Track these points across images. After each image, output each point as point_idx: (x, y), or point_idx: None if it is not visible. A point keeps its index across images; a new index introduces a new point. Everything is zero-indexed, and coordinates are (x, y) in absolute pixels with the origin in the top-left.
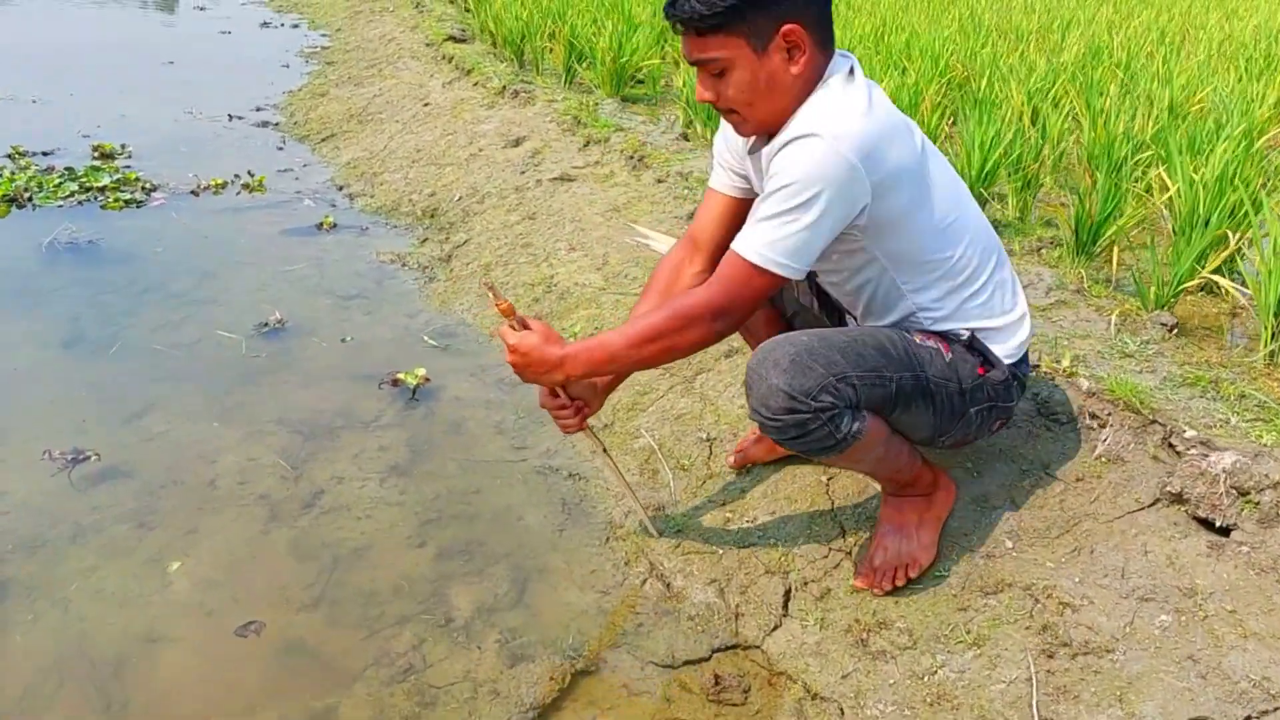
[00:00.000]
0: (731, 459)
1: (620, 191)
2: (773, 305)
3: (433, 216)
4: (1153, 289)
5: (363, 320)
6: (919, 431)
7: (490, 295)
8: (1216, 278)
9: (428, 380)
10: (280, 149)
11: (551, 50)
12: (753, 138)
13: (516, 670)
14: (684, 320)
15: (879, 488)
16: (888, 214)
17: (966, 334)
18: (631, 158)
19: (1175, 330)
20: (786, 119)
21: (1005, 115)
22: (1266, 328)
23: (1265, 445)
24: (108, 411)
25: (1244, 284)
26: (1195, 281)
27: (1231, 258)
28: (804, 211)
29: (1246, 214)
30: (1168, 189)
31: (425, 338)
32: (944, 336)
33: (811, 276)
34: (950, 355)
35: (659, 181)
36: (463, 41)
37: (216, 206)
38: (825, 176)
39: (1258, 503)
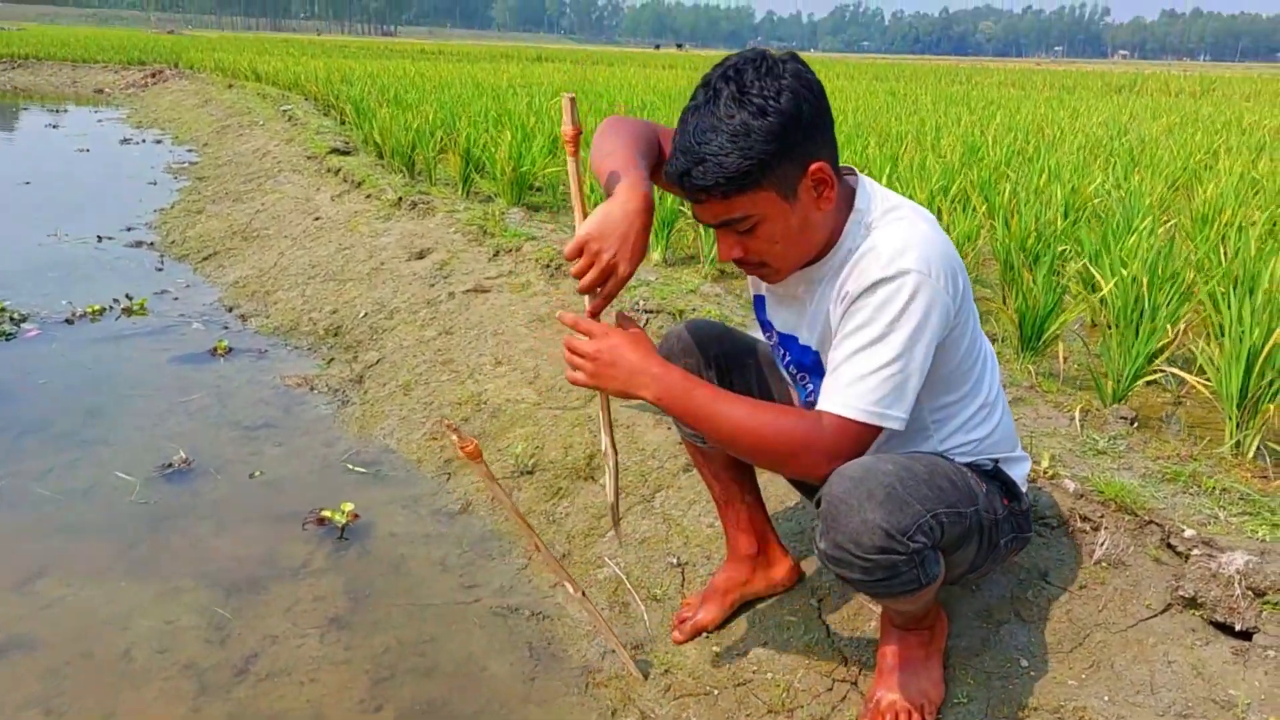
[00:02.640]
0: (677, 634)
1: (541, 301)
2: None
3: (337, 335)
4: (1110, 383)
5: (275, 453)
6: (960, 567)
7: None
8: (1177, 371)
9: (357, 516)
10: (159, 270)
11: (444, 161)
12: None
13: None
14: (794, 446)
15: (874, 608)
16: (951, 338)
17: (991, 465)
18: (548, 266)
19: (1135, 424)
20: (819, 252)
21: None
22: (1231, 418)
23: (1266, 541)
24: None
25: (1201, 374)
26: (1154, 376)
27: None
28: (908, 354)
29: (1183, 305)
30: (1093, 283)
31: (349, 465)
32: (972, 468)
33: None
34: (985, 487)
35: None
36: (347, 154)
37: (96, 335)
38: (926, 311)
39: (1277, 604)
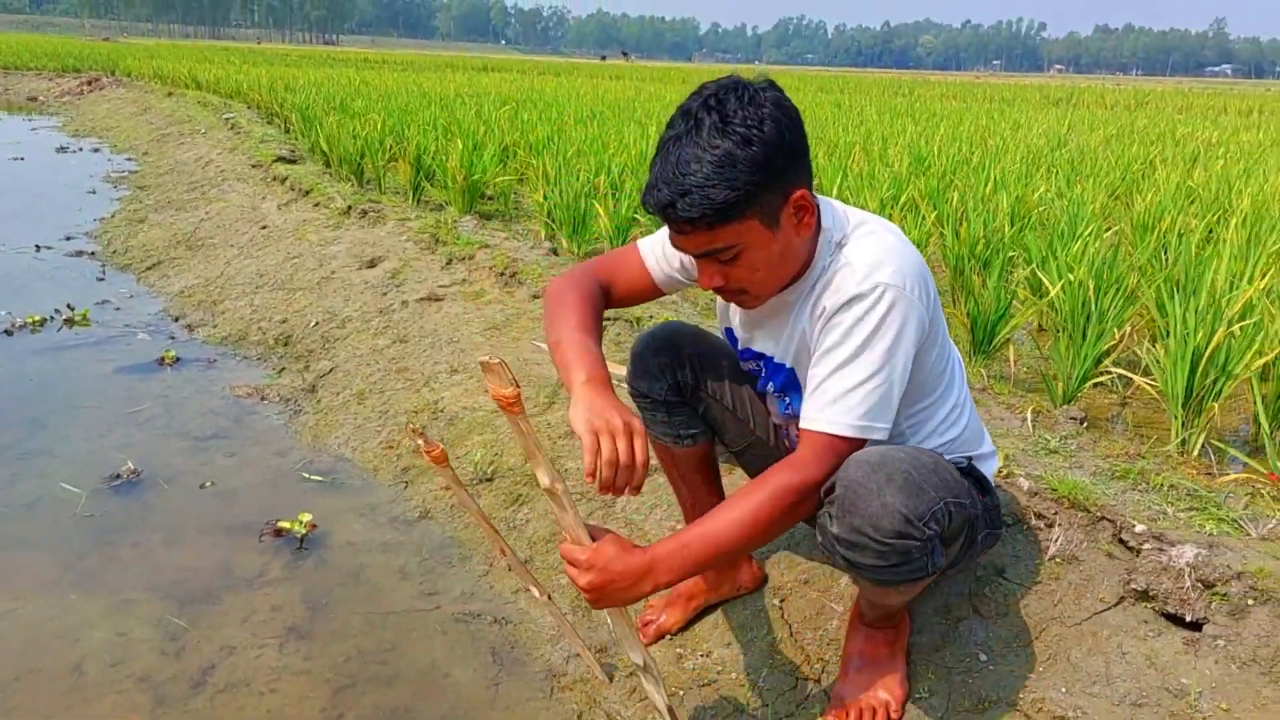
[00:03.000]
0: (640, 636)
1: (497, 309)
2: (709, 441)
3: (287, 344)
4: (1060, 385)
5: (227, 464)
6: (948, 560)
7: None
8: (1124, 372)
9: (315, 526)
10: (100, 279)
11: (394, 169)
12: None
13: None
14: (793, 498)
15: (836, 607)
16: (924, 346)
17: (966, 462)
18: (502, 274)
19: (1085, 424)
20: (795, 277)
21: None
22: (1176, 417)
23: (1214, 535)
24: None
25: (1147, 375)
26: (1102, 377)
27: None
28: (888, 366)
29: (1128, 309)
30: (1041, 288)
31: (304, 474)
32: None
33: (768, 415)
34: (966, 483)
35: (534, 298)
36: (293, 162)
37: (37, 345)
38: (899, 323)
39: (1225, 595)
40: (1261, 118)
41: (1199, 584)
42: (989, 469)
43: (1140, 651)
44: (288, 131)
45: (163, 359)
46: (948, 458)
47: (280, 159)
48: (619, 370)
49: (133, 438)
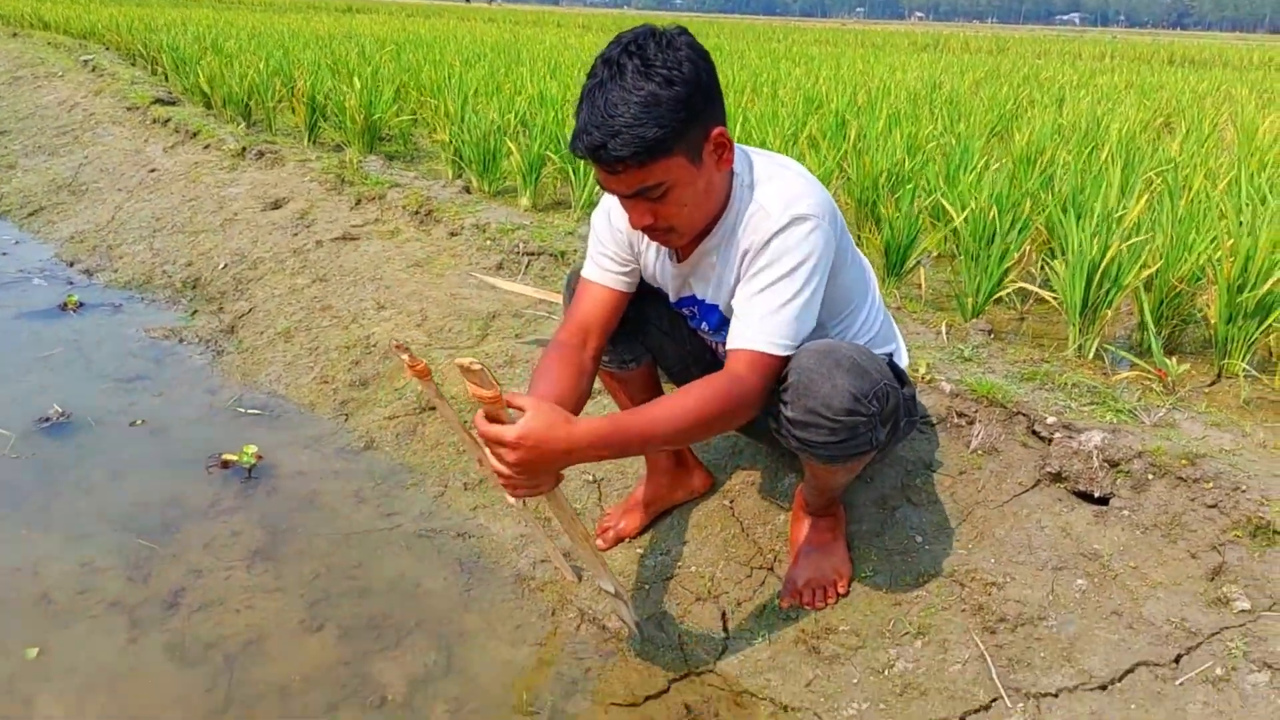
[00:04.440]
0: (600, 542)
1: (416, 247)
2: (650, 363)
3: (195, 287)
4: (970, 300)
5: (155, 403)
6: (885, 436)
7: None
8: (1029, 286)
9: (261, 458)
10: None
11: (281, 110)
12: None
13: None
14: (728, 404)
15: (782, 505)
16: (837, 264)
17: (887, 358)
18: (417, 213)
19: (992, 335)
20: (717, 217)
21: None
22: (1074, 325)
23: (1114, 424)
24: None
25: (1046, 287)
26: (1006, 291)
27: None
28: (807, 289)
29: (1023, 230)
30: (944, 215)
31: (240, 409)
32: None
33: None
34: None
35: (452, 235)
36: (171, 104)
37: None
38: (817, 250)
39: (1129, 471)
40: (1113, 62)
41: (1105, 464)
42: (903, 363)
43: (1057, 525)
44: (155, 73)
45: (65, 304)
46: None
47: (158, 101)
48: (507, 285)
49: (50, 381)
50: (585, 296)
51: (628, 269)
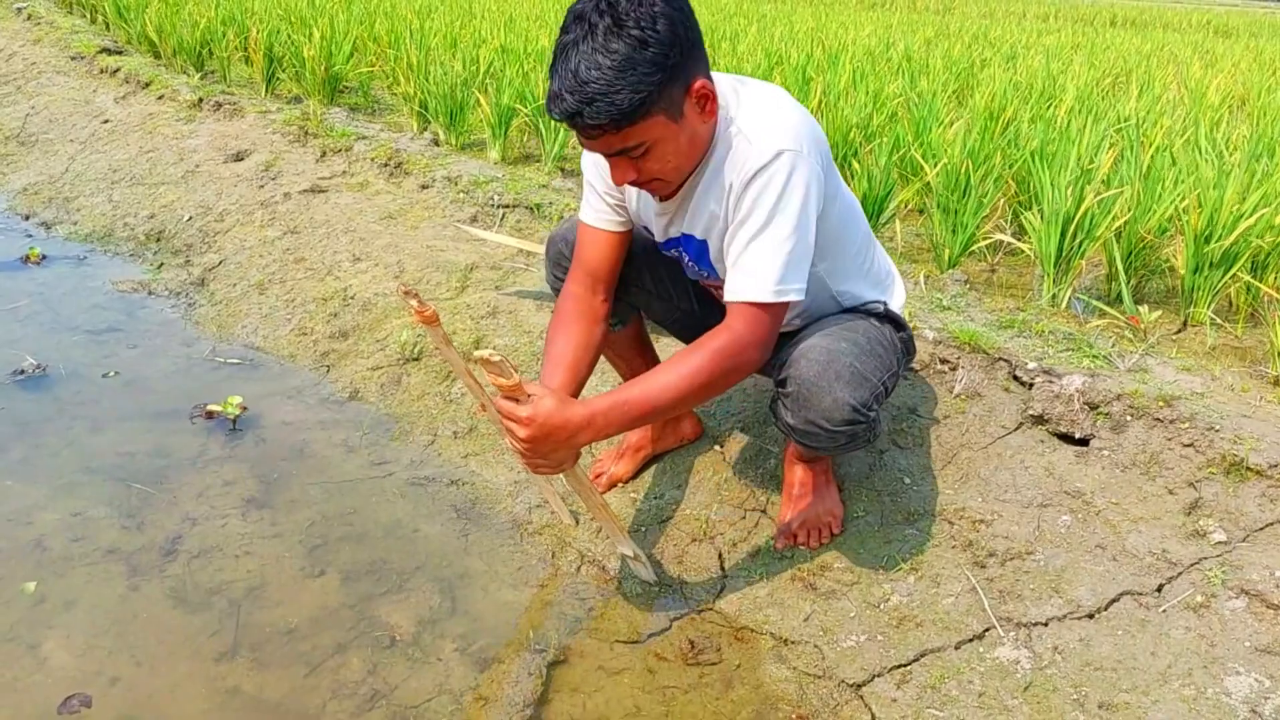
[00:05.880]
0: (595, 485)
1: (388, 199)
2: (637, 320)
3: (159, 240)
4: (947, 252)
5: (131, 355)
6: (878, 435)
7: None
8: (1005, 236)
9: (245, 409)
10: None
11: (235, 61)
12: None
13: (492, 673)
14: (728, 361)
15: (772, 449)
16: (826, 201)
17: (882, 306)
18: (386, 165)
19: (969, 285)
20: (703, 161)
21: None
22: (1048, 275)
23: (1091, 369)
24: None
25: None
26: (981, 243)
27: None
28: (800, 230)
29: (997, 183)
30: (917, 169)
31: (220, 360)
32: (869, 313)
33: (695, 283)
34: (888, 328)
35: (424, 188)
36: (118, 53)
37: None
38: (805, 187)
39: (1108, 413)
40: (1058, 23)
41: (1085, 406)
42: (899, 301)
43: (1040, 464)
44: (94, 21)
45: (28, 257)
46: (868, 300)
47: (105, 50)
48: (494, 237)
49: (20, 333)
50: (587, 242)
51: (623, 207)
